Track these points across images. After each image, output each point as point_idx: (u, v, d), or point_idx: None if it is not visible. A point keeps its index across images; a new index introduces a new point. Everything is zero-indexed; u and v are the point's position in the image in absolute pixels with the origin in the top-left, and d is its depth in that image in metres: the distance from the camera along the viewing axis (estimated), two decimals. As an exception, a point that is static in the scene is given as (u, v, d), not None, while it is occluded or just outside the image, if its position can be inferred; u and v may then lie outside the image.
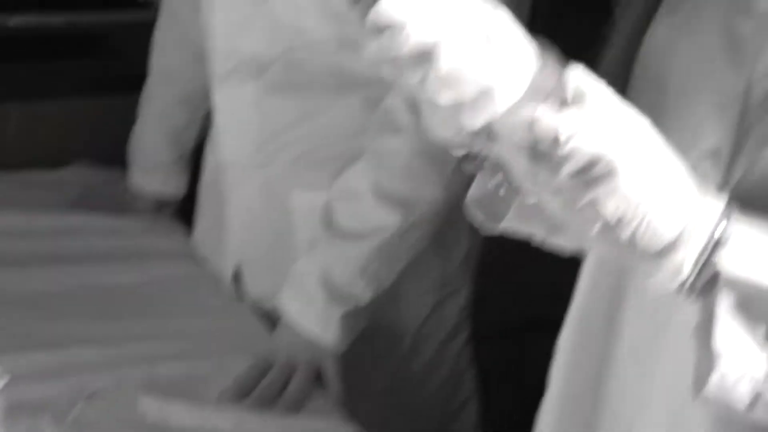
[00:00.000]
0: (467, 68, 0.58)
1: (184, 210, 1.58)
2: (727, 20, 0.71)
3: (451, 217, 1.23)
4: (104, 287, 1.36)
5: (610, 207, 0.58)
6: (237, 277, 1.37)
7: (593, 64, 0.75)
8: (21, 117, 1.69)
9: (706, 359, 0.61)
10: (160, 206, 1.57)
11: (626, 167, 0.58)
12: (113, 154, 1.69)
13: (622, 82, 0.79)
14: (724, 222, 0.61)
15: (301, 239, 1.26)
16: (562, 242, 0.84)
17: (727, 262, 0.60)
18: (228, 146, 1.32)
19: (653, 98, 0.76)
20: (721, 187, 0.67)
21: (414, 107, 1.15)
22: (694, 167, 0.63)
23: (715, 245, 0.60)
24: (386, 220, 1.17)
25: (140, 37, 1.71)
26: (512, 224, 0.78)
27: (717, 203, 0.61)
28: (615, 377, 0.80)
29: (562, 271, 0.92)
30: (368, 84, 1.19)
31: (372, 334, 1.24)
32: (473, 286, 1.39)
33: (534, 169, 0.59)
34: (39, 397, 1.07)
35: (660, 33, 0.78)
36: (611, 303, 0.80)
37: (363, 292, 1.19)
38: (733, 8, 0.71)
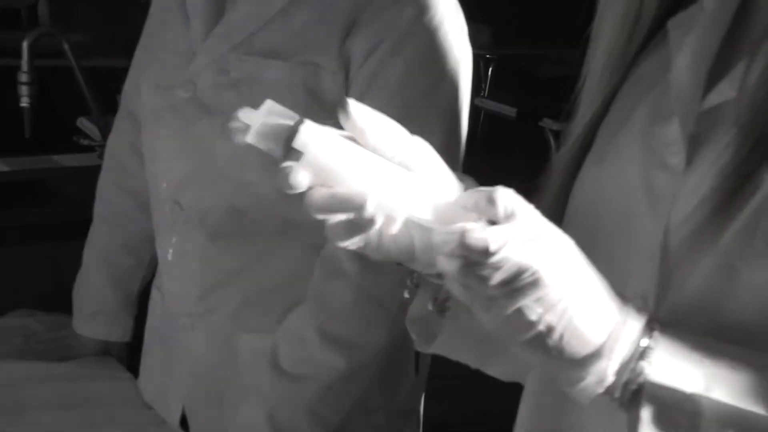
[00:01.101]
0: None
1: (130, 351, 1.58)
2: (645, 173, 0.77)
3: (395, 355, 1.26)
4: (49, 437, 1.34)
5: (537, 314, 0.62)
6: (184, 422, 1.37)
7: (531, 194, 0.82)
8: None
9: None
10: (106, 350, 1.57)
11: (551, 277, 0.62)
12: (56, 299, 1.70)
13: (558, 216, 0.85)
14: (647, 333, 0.65)
15: (248, 383, 1.26)
16: (493, 370, 0.88)
17: (650, 372, 0.64)
18: (173, 292, 1.34)
19: (584, 239, 0.81)
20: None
21: (356, 254, 1.19)
22: (625, 305, 0.67)
23: (639, 355, 0.64)
24: (332, 362, 1.19)
25: (83, 182, 1.74)
26: (444, 347, 0.82)
27: (640, 317, 0.65)
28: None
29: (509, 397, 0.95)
30: (311, 231, 1.21)
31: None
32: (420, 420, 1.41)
33: (466, 281, 0.62)
34: None
35: (588, 181, 0.84)
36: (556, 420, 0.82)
37: (310, 433, 1.20)
38: (649, 162, 0.76)
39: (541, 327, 0.63)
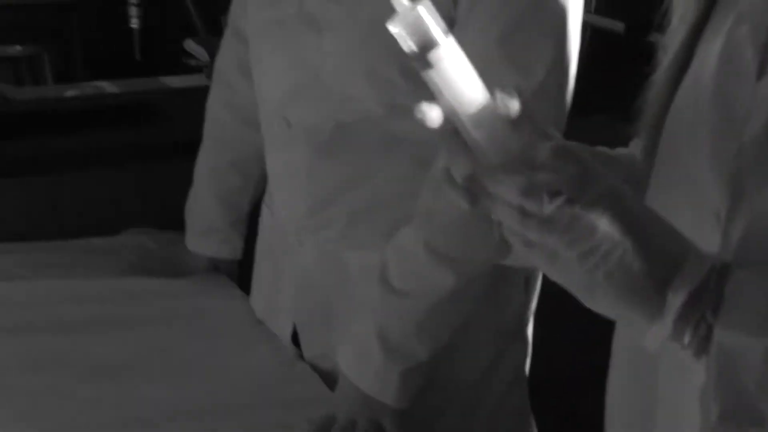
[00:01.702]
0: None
1: (241, 269, 1.61)
2: (721, 79, 0.74)
3: (504, 272, 1.25)
4: (165, 349, 1.38)
5: (594, 262, 0.64)
6: (295, 337, 1.39)
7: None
8: (76, 185, 1.74)
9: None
10: (216, 267, 1.60)
11: (607, 226, 0.64)
12: (168, 218, 1.74)
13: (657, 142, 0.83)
14: (712, 279, 0.65)
15: (357, 299, 1.28)
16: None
17: (719, 317, 0.64)
18: (282, 210, 1.35)
19: (667, 159, 0.80)
20: (722, 248, 0.70)
21: None
22: (701, 227, 0.68)
23: (703, 302, 0.64)
24: (441, 278, 1.18)
25: (192, 103, 1.76)
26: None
27: (704, 264, 0.65)
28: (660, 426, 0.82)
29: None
30: (417, 146, 1.21)
31: (431, 390, 1.25)
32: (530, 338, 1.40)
33: (524, 231, 0.65)
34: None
35: (676, 101, 0.81)
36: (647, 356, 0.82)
37: (420, 350, 1.21)
38: (726, 67, 0.74)
39: (599, 276, 0.65)
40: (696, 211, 0.73)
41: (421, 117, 0.68)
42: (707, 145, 0.75)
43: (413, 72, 1.16)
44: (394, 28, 0.66)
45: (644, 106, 0.86)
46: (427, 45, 0.65)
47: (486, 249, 1.18)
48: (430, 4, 0.65)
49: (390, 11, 1.18)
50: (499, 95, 0.67)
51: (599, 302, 0.67)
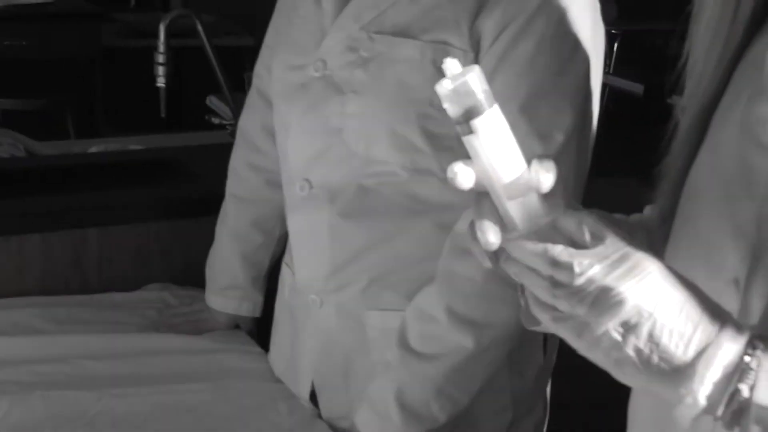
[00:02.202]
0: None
1: (261, 326, 1.61)
2: (742, 152, 0.75)
3: (524, 336, 1.25)
4: (184, 407, 1.38)
5: (623, 336, 0.64)
6: (313, 396, 1.39)
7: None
8: (100, 241, 1.75)
9: None
10: (236, 325, 1.61)
11: (637, 299, 0.64)
12: (189, 274, 1.76)
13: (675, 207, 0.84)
14: (748, 353, 0.64)
15: (376, 360, 1.28)
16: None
17: (754, 393, 0.63)
18: (303, 270, 1.36)
19: (687, 225, 0.81)
20: (741, 315, 0.71)
21: None
22: (720, 294, 0.68)
23: (739, 376, 0.63)
24: (460, 342, 1.19)
25: (216, 160, 1.78)
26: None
27: (739, 336, 0.65)
28: None
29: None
30: (440, 209, 1.23)
31: (449, 454, 1.25)
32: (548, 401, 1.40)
33: (553, 302, 0.66)
34: None
35: (699, 167, 0.82)
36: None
37: (439, 413, 1.21)
38: (746, 142, 0.74)
39: (629, 350, 0.64)
40: (714, 278, 0.73)
41: (452, 177, 0.69)
42: (726, 211, 0.75)
43: (436, 137, 1.20)
44: (442, 91, 0.67)
45: (662, 172, 0.87)
46: (472, 111, 0.66)
47: (507, 313, 1.19)
48: (479, 71, 0.67)
49: (414, 77, 1.21)
50: (534, 167, 0.68)
51: (629, 378, 0.66)
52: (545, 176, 0.68)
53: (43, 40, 3.85)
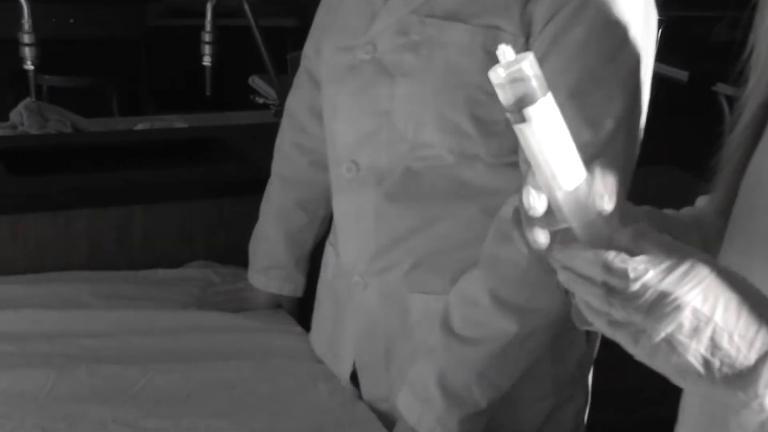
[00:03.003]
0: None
1: (302, 307, 1.62)
2: None
3: (568, 322, 1.24)
4: (224, 384, 1.39)
5: (682, 342, 0.63)
6: (354, 377, 1.40)
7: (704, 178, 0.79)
8: (145, 218, 1.77)
9: None
10: (278, 304, 1.62)
11: (694, 304, 0.63)
12: (231, 252, 1.77)
13: (730, 204, 0.82)
14: None
15: (418, 343, 1.28)
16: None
17: None
18: (347, 251, 1.36)
19: (750, 204, 0.79)
20: None
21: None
22: None
23: None
24: (503, 327, 1.19)
25: (258, 139, 1.79)
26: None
27: None
28: None
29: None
30: (485, 194, 1.22)
31: (490, 437, 1.25)
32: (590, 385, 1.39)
33: (609, 310, 0.65)
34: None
35: (756, 160, 0.80)
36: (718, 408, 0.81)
37: (480, 397, 1.21)
38: None
39: (690, 356, 0.63)
40: None
41: (527, 205, 0.68)
42: None
43: (484, 122, 1.19)
44: (495, 78, 0.66)
45: (720, 164, 0.85)
46: (525, 99, 0.65)
47: (550, 299, 1.19)
48: (533, 59, 0.65)
49: (463, 62, 1.20)
50: (596, 193, 0.66)
51: (692, 384, 0.65)
52: (607, 203, 0.67)
53: (90, 19, 3.88)
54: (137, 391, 1.36)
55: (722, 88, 3.02)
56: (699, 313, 0.63)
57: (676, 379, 0.66)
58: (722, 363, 0.63)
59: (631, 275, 0.63)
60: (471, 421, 1.21)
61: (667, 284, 0.63)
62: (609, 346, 1.33)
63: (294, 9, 4.15)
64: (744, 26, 0.83)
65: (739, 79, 0.84)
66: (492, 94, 1.22)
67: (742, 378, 0.63)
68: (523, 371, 1.23)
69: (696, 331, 0.63)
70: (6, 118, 2.24)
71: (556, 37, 1.14)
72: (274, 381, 1.41)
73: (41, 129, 2.19)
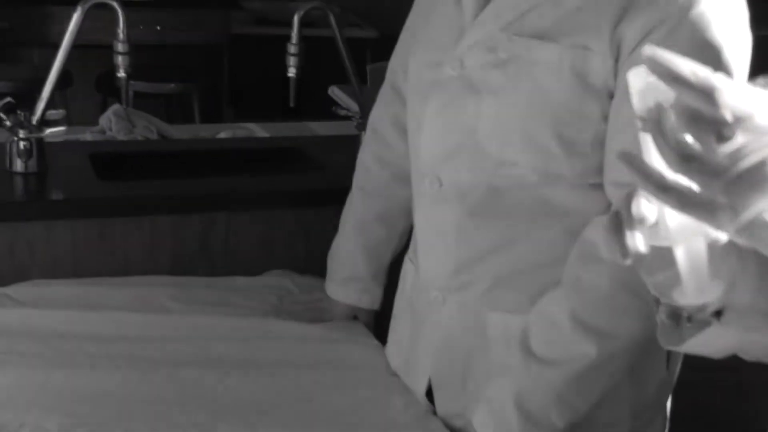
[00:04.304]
0: None
1: (378, 320, 1.62)
2: None
3: (648, 347, 1.23)
4: (300, 394, 1.40)
5: None
6: (429, 392, 1.40)
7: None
8: (226, 225, 1.80)
9: None
10: (354, 316, 1.63)
11: None
12: (309, 263, 1.78)
13: None
14: None
15: (496, 361, 1.28)
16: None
17: None
18: (427, 266, 1.36)
19: None
20: None
21: None
22: None
23: None
24: (583, 349, 1.18)
25: (339, 151, 1.80)
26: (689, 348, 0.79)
27: None
28: None
29: (751, 396, 0.91)
30: (569, 214, 1.22)
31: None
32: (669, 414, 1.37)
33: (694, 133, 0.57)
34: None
35: None
36: None
37: (557, 420, 1.20)
38: None
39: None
40: None
41: (637, 213, 0.63)
42: None
43: (570, 142, 1.18)
44: (635, 83, 0.62)
45: None
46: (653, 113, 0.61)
47: (631, 324, 1.17)
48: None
49: (551, 81, 1.20)
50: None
51: None
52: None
53: (176, 26, 3.95)
54: (216, 396, 1.38)
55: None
56: None
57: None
58: None
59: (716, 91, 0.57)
60: (547, 442, 1.20)
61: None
62: (689, 371, 1.31)
63: (375, 20, 4.17)
64: None
65: None
66: (578, 114, 1.22)
67: None
68: (602, 395, 1.22)
69: None
70: (94, 124, 2.29)
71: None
72: (350, 393, 1.42)
73: (128, 134, 2.24)
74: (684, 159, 0.56)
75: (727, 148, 0.55)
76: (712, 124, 0.55)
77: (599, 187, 1.20)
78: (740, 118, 0.55)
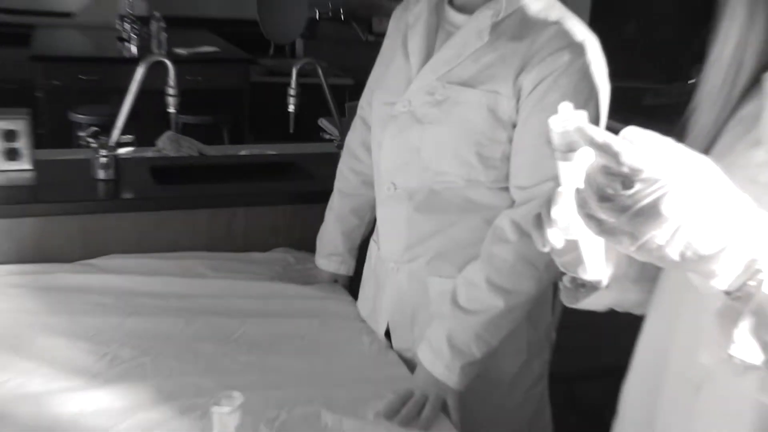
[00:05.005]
0: None
1: (352, 283, 1.61)
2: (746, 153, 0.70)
3: (540, 299, 1.23)
4: (297, 334, 1.39)
5: (668, 230, 0.55)
6: (387, 333, 1.39)
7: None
8: (246, 217, 1.77)
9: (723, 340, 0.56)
10: (335, 280, 1.60)
11: (680, 189, 0.55)
12: (304, 243, 1.77)
13: None
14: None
15: (434, 312, 1.27)
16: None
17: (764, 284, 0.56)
18: (386, 246, 1.35)
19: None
20: None
21: (518, 227, 1.17)
22: (756, 217, 0.57)
23: (754, 271, 0.56)
24: (494, 303, 1.17)
25: (324, 164, 1.78)
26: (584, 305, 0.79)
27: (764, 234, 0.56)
28: (662, 422, 0.78)
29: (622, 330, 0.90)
30: (486, 208, 1.21)
31: (481, 379, 1.23)
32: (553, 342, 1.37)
33: (605, 183, 0.56)
34: (255, 408, 1.10)
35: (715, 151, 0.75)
36: (659, 363, 0.77)
37: (476, 351, 1.19)
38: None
39: (669, 251, 0.55)
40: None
41: (555, 214, 0.63)
42: None
43: (485, 157, 1.18)
44: (555, 128, 0.60)
45: None
46: (572, 146, 0.60)
47: (529, 284, 1.17)
48: (586, 117, 0.60)
49: (472, 115, 1.18)
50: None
51: (669, 267, 0.57)
52: None
53: (211, 75, 3.92)
54: (237, 337, 1.36)
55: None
56: (677, 218, 0.55)
57: (659, 263, 0.58)
58: (695, 244, 0.56)
59: (622, 153, 0.55)
60: (469, 367, 1.20)
61: (656, 168, 0.55)
62: (569, 315, 1.31)
63: (351, 72, 4.15)
64: (677, 92, 0.80)
65: (679, 136, 0.81)
66: (492, 138, 1.20)
67: (708, 260, 0.56)
68: (507, 334, 1.22)
69: (673, 234, 0.56)
70: (153, 144, 2.26)
71: (539, 100, 1.13)
72: (332, 333, 1.41)
73: (177, 152, 2.20)
74: (601, 199, 0.56)
75: (629, 192, 0.55)
76: (618, 176, 0.55)
77: (506, 189, 1.20)
78: (636, 171, 0.55)
